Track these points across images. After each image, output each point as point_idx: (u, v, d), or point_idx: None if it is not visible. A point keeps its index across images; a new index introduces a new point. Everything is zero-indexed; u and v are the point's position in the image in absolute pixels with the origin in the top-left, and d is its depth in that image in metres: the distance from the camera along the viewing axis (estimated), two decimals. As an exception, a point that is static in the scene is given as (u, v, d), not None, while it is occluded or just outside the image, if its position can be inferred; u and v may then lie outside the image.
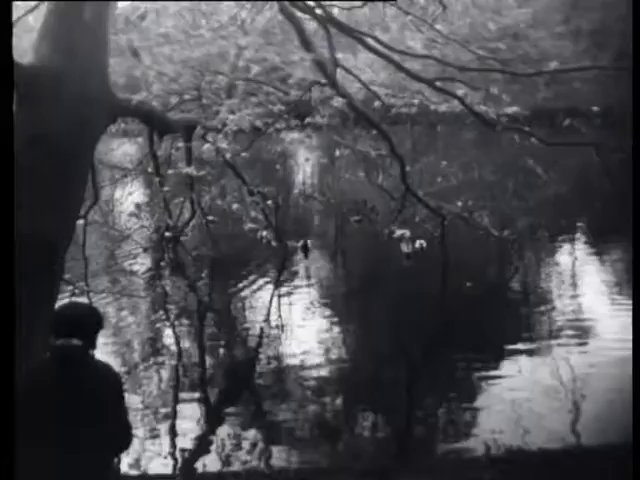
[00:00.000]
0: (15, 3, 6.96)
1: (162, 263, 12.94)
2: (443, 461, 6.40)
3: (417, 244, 10.38)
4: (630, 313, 9.08)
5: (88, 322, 3.84)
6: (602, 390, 7.29)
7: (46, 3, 5.28)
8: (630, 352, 4.47)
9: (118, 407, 3.70)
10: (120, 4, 7.78)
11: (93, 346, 3.80)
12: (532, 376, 7.73)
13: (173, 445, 6.66)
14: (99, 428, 3.55)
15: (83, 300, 8.15)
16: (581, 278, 11.81)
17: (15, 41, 5.13)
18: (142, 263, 13.24)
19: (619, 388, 6.86)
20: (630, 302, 9.50)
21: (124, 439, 3.80)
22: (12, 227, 3.76)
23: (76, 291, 9.20)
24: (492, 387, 7.66)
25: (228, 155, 8.63)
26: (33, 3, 7.56)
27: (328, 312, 10.38)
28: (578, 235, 14.61)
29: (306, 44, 6.97)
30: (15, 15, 6.44)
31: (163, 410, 7.35)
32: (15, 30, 5.77)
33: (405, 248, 11.21)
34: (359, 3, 8.03)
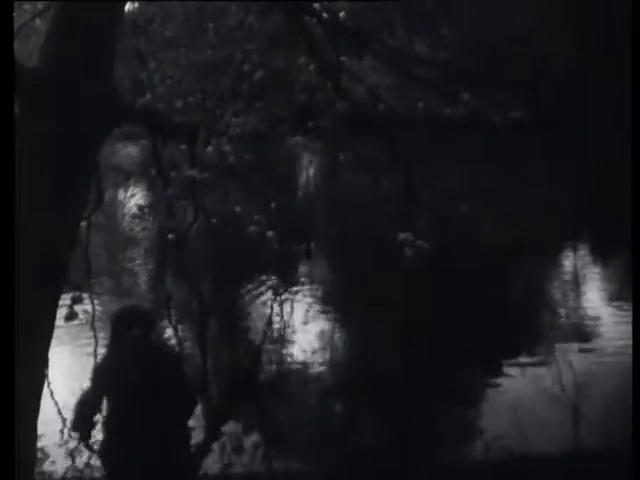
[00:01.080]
0: (23, 7, 6.99)
1: (165, 265, 12.95)
2: (443, 465, 6.41)
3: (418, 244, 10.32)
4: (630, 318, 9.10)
5: (148, 316, 5.17)
6: (603, 394, 7.29)
7: (53, 7, 5.28)
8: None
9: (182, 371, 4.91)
10: (127, 8, 7.78)
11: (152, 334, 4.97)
12: (534, 381, 7.73)
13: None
14: (175, 389, 4.57)
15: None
16: (583, 282, 11.81)
17: (21, 44, 5.15)
18: (145, 265, 13.26)
19: (621, 392, 6.86)
20: (632, 306, 9.51)
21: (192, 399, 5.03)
22: (13, 231, 3.77)
23: (78, 292, 9.22)
24: (494, 391, 7.66)
25: (232, 158, 8.63)
26: (40, 7, 7.58)
27: (331, 315, 10.38)
28: (580, 240, 14.59)
29: (312, 48, 6.97)
30: (22, 18, 6.46)
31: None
32: (21, 34, 5.79)
33: (408, 251, 11.20)
34: (364, 7, 8.06)
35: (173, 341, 8.93)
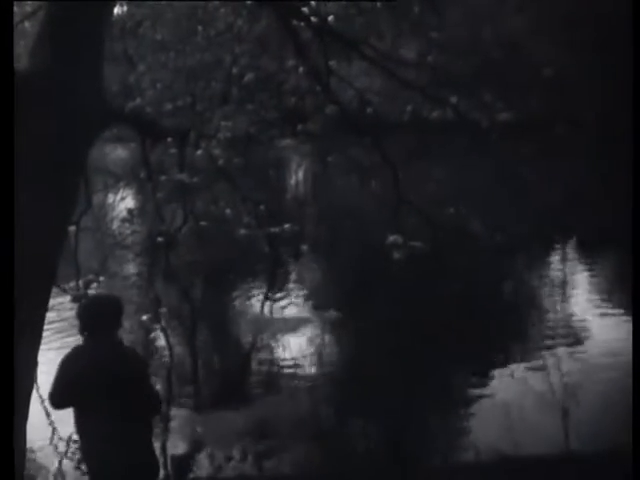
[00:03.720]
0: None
1: (154, 269, 12.93)
2: (437, 469, 6.42)
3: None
4: (623, 319, 9.15)
5: (106, 314, 4.52)
6: (597, 397, 7.31)
7: (43, 10, 5.28)
8: (624, 358, 4.50)
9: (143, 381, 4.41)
10: (116, 11, 7.79)
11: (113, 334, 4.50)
12: (526, 383, 7.75)
13: (164, 450, 6.67)
14: (130, 399, 4.22)
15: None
16: (574, 285, 11.85)
17: (11, 47, 5.13)
18: (134, 269, 13.24)
19: (613, 394, 6.90)
20: (623, 309, 9.56)
21: (154, 406, 4.49)
22: (12, 236, 3.78)
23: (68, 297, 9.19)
24: (486, 394, 7.69)
25: (221, 161, 8.63)
26: (29, 9, 7.58)
27: (321, 316, 10.39)
28: (571, 242, 14.65)
29: (301, 52, 6.99)
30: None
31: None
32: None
33: (397, 254, 11.22)
34: (353, 10, 8.08)
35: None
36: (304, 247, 13.41)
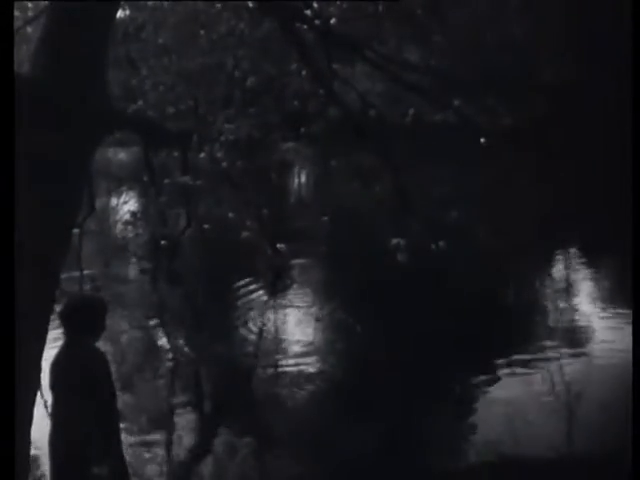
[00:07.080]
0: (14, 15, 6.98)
1: (158, 272, 12.95)
2: (439, 472, 6.42)
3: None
4: (625, 322, 9.13)
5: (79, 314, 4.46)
6: (598, 400, 7.31)
7: (45, 14, 5.30)
8: (625, 360, 4.48)
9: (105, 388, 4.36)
10: (118, 15, 7.79)
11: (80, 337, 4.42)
12: (528, 386, 7.75)
13: (168, 453, 6.68)
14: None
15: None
16: (576, 289, 11.85)
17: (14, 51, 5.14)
18: (137, 272, 13.25)
19: (615, 397, 6.89)
20: (624, 311, 9.55)
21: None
22: (12, 238, 3.78)
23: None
24: (489, 397, 7.69)
25: (224, 165, 8.66)
26: (31, 14, 7.60)
27: (323, 319, 10.40)
28: (573, 246, 14.63)
29: (303, 55, 7.00)
30: (14, 26, 6.46)
31: (158, 418, 7.37)
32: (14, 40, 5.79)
33: (400, 257, 11.22)
34: (356, 13, 8.10)
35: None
36: (307, 250, 13.42)
